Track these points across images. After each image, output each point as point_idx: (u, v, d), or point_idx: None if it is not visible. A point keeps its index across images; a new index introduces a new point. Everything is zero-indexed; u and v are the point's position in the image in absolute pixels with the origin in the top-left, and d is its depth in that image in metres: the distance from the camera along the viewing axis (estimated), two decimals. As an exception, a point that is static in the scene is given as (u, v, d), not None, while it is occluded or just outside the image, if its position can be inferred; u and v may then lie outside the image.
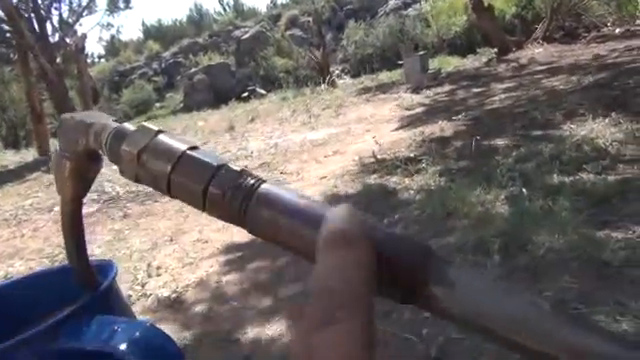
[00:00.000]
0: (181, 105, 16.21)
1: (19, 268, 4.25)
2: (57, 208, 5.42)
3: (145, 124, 0.51)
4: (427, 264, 0.35)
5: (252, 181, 0.45)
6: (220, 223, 4.32)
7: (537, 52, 9.84)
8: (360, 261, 0.27)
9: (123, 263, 3.83)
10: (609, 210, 2.94)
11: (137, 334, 0.66)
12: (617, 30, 10.09)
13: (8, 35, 11.99)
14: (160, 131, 0.53)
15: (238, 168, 0.46)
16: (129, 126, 0.58)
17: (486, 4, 10.70)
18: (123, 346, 0.64)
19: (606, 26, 10.61)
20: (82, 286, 0.74)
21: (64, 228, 0.71)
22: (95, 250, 4.22)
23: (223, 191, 0.44)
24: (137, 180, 0.54)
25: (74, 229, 0.71)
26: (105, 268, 0.80)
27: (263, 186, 0.44)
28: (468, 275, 0.35)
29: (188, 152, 0.48)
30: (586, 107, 4.91)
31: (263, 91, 13.77)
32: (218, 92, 15.52)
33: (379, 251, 0.37)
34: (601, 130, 4.20)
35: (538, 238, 2.74)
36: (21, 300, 0.80)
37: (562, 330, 0.29)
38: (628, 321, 2.01)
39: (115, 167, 0.48)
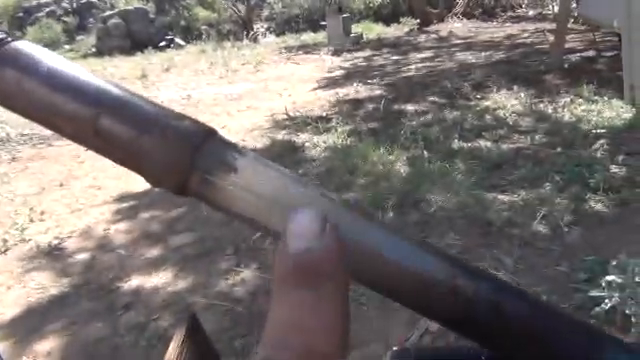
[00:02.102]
0: (93, 50, 15.12)
1: None
2: None
3: None
4: (204, 147, 0.28)
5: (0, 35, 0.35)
6: (117, 170, 4.09)
7: (456, 26, 10.09)
8: (337, 303, 0.19)
9: (3, 207, 3.53)
10: (499, 175, 3.07)
11: None
12: (530, 12, 10.56)
13: None
14: None
15: None
16: None
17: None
18: None
19: (521, 7, 11.07)
20: None
21: None
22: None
23: None
24: None
25: None
26: None
27: (15, 43, 0.34)
28: (251, 160, 0.28)
29: None
30: (493, 80, 5.10)
31: (182, 42, 13.14)
32: (134, 39, 14.62)
33: (150, 132, 0.29)
34: (503, 102, 4.37)
35: (431, 197, 2.82)
36: None
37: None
38: (502, 275, 2.11)
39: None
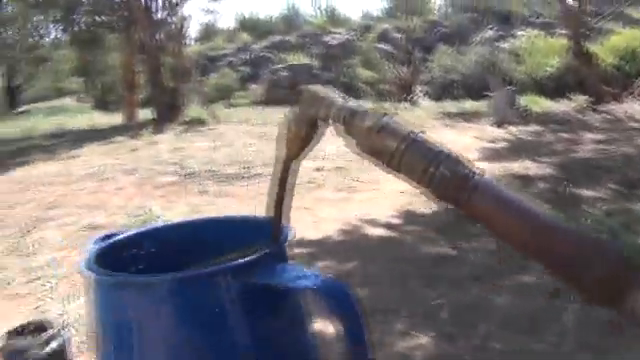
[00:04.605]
0: (263, 98, 16.59)
1: (102, 220, 4.53)
2: (140, 171, 5.64)
3: (370, 107, 0.62)
4: (629, 270, 0.38)
5: (471, 171, 0.53)
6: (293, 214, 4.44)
7: (635, 108, 9.42)
8: None
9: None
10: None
11: (321, 279, 0.75)
12: None
13: (117, 6, 12.74)
14: (385, 114, 0.63)
15: (456, 155, 0.54)
16: (355, 104, 0.69)
17: (587, 50, 10.38)
18: (313, 286, 0.73)
19: None
20: (270, 236, 0.84)
21: (275, 181, 0.82)
22: (173, 219, 4.44)
23: (443, 173, 0.52)
24: (369, 151, 0.64)
25: (283, 184, 0.81)
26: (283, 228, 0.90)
27: (481, 178, 0.51)
28: None
29: (412, 135, 0.57)
30: (684, 173, 4.69)
31: (342, 98, 13.90)
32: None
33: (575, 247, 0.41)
34: (699, 199, 4.00)
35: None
36: (211, 235, 0.91)
37: None
38: None
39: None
